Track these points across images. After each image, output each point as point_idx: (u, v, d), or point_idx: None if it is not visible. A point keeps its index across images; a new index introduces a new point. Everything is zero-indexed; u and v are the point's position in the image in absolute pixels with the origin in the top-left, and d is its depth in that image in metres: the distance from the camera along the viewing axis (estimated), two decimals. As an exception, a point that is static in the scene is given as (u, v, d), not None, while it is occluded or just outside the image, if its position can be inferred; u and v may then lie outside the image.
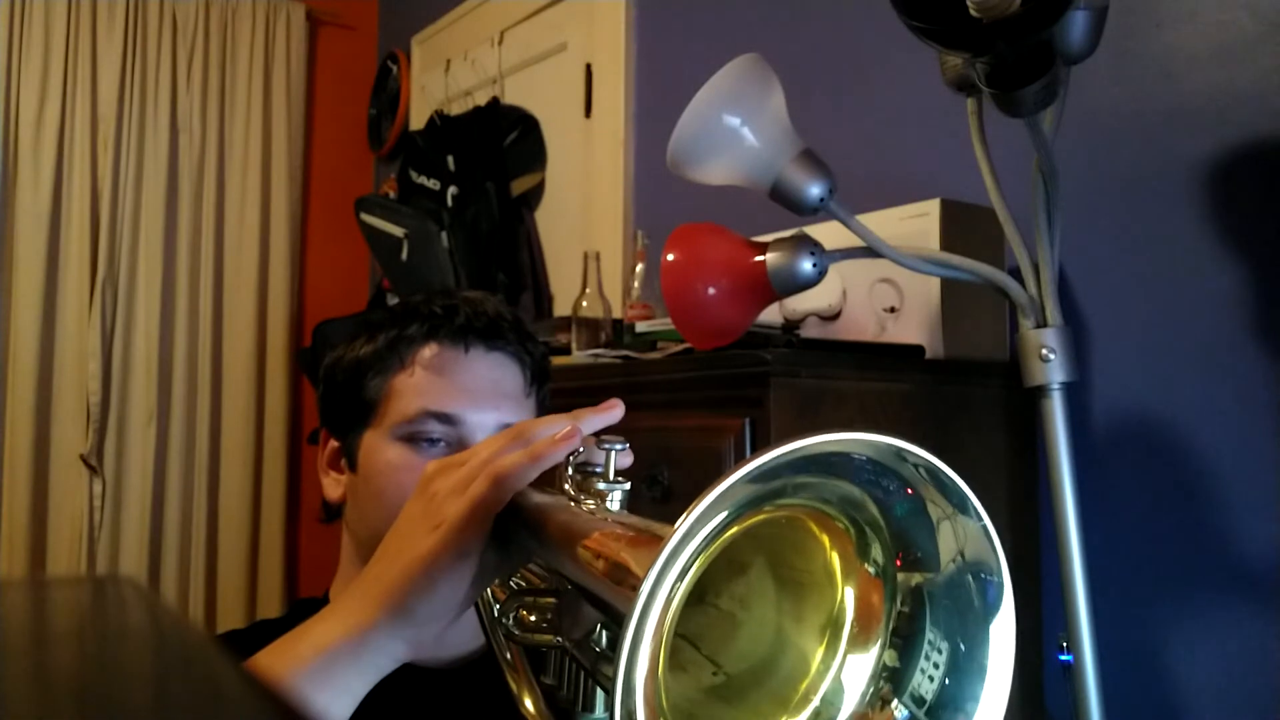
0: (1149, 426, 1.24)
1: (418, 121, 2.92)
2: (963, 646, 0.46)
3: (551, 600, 0.62)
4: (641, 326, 1.46)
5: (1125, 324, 1.26)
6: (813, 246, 1.00)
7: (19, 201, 2.75)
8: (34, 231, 2.75)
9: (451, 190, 2.49)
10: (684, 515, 0.38)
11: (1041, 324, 1.03)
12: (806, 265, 0.99)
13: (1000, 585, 0.46)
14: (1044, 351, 1.02)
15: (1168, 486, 1.21)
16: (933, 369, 1.24)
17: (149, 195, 2.89)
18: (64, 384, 2.78)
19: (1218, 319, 1.17)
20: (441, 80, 2.85)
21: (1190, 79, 1.21)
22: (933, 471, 0.44)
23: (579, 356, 1.54)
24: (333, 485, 0.90)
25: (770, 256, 0.99)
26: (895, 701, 0.48)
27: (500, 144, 2.48)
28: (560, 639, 0.58)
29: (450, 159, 2.53)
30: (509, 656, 0.67)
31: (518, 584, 0.66)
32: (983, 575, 0.46)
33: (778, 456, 0.40)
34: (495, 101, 2.57)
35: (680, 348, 1.26)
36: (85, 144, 2.82)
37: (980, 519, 0.45)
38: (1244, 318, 1.15)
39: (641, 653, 0.39)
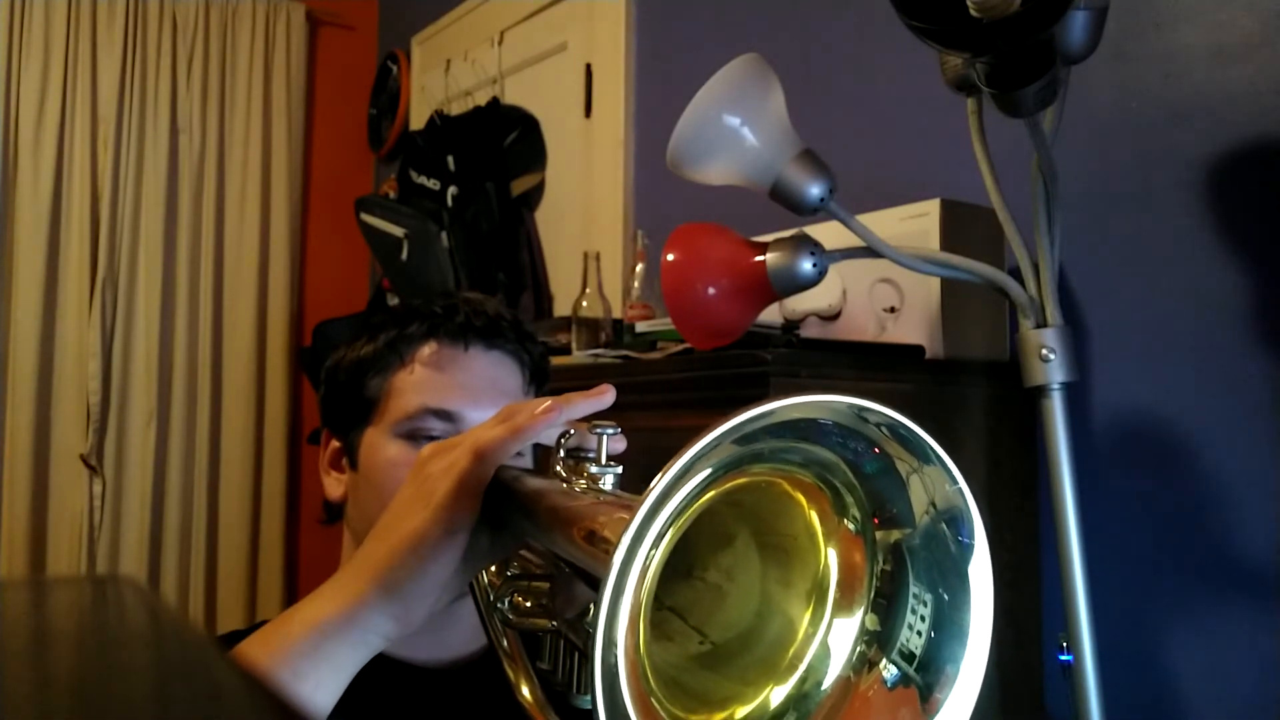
0: (1149, 426, 1.23)
1: (418, 121, 2.92)
2: (945, 596, 0.47)
3: (545, 585, 0.63)
4: (641, 326, 1.45)
5: (1125, 324, 1.26)
6: (813, 246, 1.00)
7: (19, 201, 2.75)
8: (34, 231, 2.75)
9: (451, 190, 2.49)
10: (659, 475, 0.39)
11: (1041, 324, 1.03)
12: (806, 265, 0.99)
13: (971, 526, 0.47)
14: (1044, 351, 1.01)
15: (1168, 486, 1.21)
16: (933, 369, 1.24)
17: (149, 195, 2.89)
18: (64, 384, 2.78)
19: (1218, 319, 1.17)
20: (441, 80, 2.85)
21: (1190, 79, 1.21)
22: (893, 428, 0.45)
23: (579, 356, 1.54)
24: (334, 485, 0.91)
25: (770, 256, 0.99)
26: (884, 660, 0.49)
27: (500, 144, 2.48)
28: (554, 622, 0.59)
29: (450, 159, 2.53)
30: (505, 644, 0.68)
31: (513, 572, 0.67)
32: (955, 520, 0.47)
33: (742, 423, 0.41)
34: (495, 101, 2.57)
35: (680, 348, 1.26)
36: (85, 144, 2.82)
37: (944, 466, 0.46)
38: (1244, 318, 1.15)
39: (623, 606, 0.39)
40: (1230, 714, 1.15)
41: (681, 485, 0.43)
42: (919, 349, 1.23)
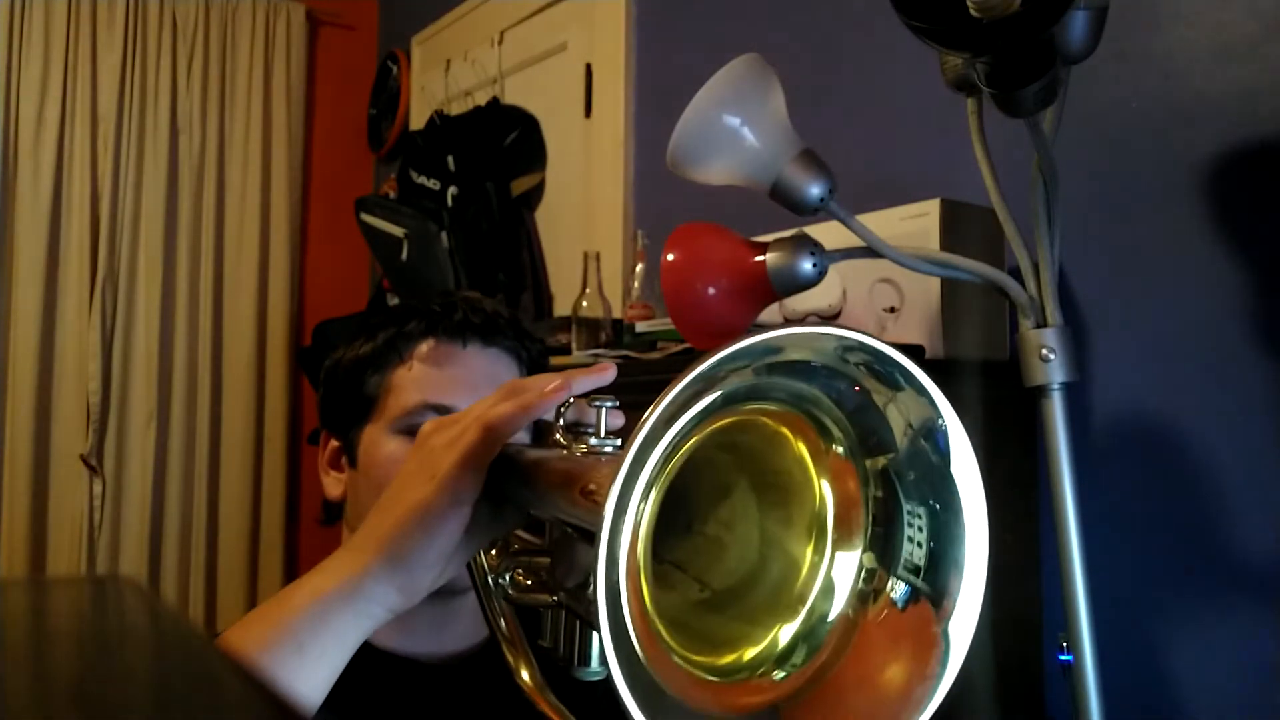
0: (1149, 426, 1.23)
1: (418, 121, 2.92)
2: (937, 506, 0.49)
3: (545, 560, 0.63)
4: (641, 326, 1.46)
5: (1125, 324, 1.26)
6: (813, 246, 1.00)
7: (19, 201, 2.75)
8: (34, 231, 2.75)
9: (451, 190, 2.49)
10: (653, 405, 0.41)
11: (1041, 324, 1.03)
12: (806, 265, 0.99)
13: (947, 432, 0.48)
14: (1044, 351, 1.01)
15: (1168, 486, 1.21)
16: (933, 369, 1.23)
17: (149, 195, 2.89)
18: (64, 384, 2.78)
19: (1218, 319, 1.17)
20: (441, 80, 2.85)
21: (1190, 79, 1.21)
22: (869, 364, 0.47)
23: (579, 356, 1.54)
24: (334, 484, 0.91)
25: (770, 256, 0.99)
26: (890, 580, 0.50)
27: (500, 144, 2.48)
28: (555, 596, 0.60)
29: (450, 159, 2.53)
30: (504, 626, 0.68)
31: (514, 549, 0.67)
32: (932, 433, 0.49)
33: (746, 348, 0.43)
34: (495, 101, 2.57)
35: (680, 348, 1.26)
36: (85, 144, 2.82)
37: (916, 384, 0.47)
38: (1244, 317, 1.15)
39: (626, 523, 0.40)
40: (1230, 714, 1.15)
41: (686, 410, 0.44)
42: (919, 349, 1.23)
